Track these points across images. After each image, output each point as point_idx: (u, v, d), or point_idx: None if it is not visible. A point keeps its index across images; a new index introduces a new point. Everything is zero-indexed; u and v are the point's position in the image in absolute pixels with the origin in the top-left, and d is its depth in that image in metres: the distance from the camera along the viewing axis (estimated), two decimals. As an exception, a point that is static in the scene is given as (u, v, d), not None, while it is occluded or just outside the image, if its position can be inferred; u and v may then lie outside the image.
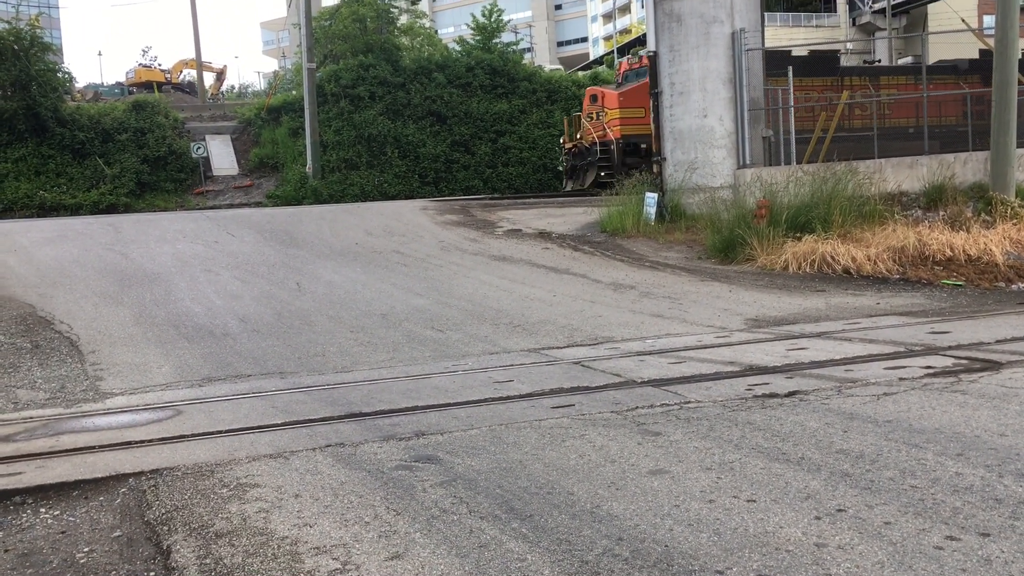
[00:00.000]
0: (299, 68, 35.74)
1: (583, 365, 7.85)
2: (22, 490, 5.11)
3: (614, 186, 26.84)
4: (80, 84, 48.82)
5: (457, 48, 39.90)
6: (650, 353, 8.29)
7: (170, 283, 13.19)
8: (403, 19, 41.54)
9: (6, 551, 4.38)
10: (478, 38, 38.79)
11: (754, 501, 4.34)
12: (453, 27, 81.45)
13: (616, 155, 27.03)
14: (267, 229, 19.27)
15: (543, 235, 17.66)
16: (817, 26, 56.71)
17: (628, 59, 30.82)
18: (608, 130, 27.19)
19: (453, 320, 10.45)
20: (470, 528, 4.13)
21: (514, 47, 40.62)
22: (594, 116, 28.13)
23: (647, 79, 27.39)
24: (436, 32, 50.55)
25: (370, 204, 24.83)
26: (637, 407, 6.25)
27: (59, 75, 33.22)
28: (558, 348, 8.79)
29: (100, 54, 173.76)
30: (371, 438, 5.74)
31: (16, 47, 30.56)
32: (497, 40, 38.95)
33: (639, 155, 27.30)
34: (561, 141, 30.27)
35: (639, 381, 7.09)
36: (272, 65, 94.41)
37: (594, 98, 28.94)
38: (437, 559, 3.81)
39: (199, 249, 16.47)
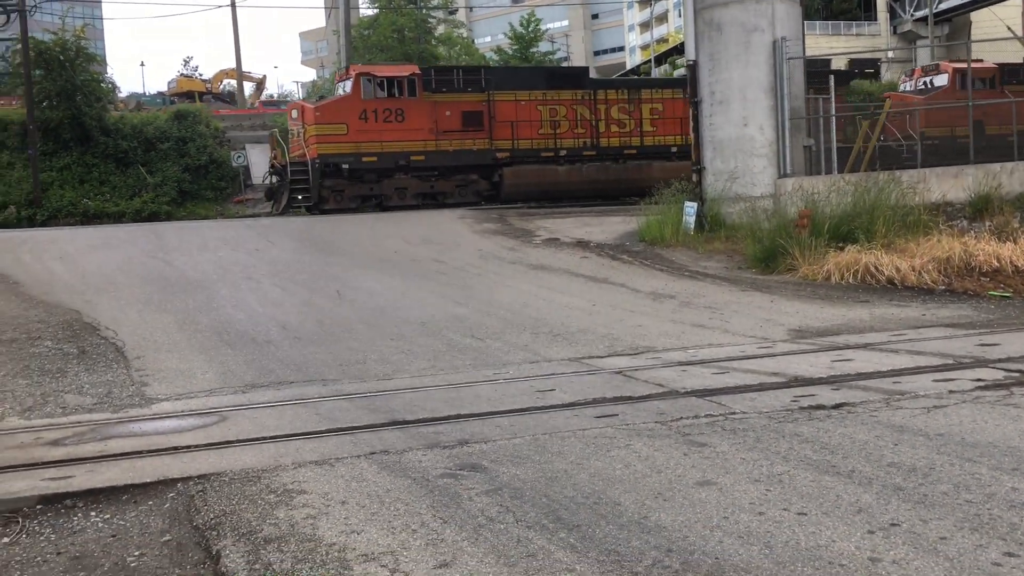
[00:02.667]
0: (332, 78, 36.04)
1: (625, 375, 7.81)
2: (73, 493, 5.18)
3: (316, 210, 25.56)
4: (123, 94, 49.63)
5: (494, 57, 40.07)
6: (692, 363, 8.23)
7: (212, 290, 13.33)
8: (440, 29, 41.85)
9: (59, 554, 4.44)
10: (515, 47, 38.98)
11: (805, 514, 4.28)
12: (490, 37, 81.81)
13: (312, 176, 25.02)
14: (306, 237, 19.44)
15: (581, 244, 17.63)
16: (857, 34, 56.19)
17: (337, 71, 29.26)
18: (307, 148, 25.44)
19: (493, 329, 10.46)
20: (517, 537, 4.12)
21: (551, 56, 40.72)
22: (295, 133, 26.61)
23: (350, 93, 25.88)
24: (473, 42, 50.81)
25: (408, 213, 24.96)
26: (681, 417, 6.20)
27: (103, 85, 33.78)
28: (599, 357, 8.75)
29: (143, 64, 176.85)
30: (415, 446, 5.75)
31: (62, 58, 31.15)
32: (534, 49, 39.10)
33: (340, 176, 25.54)
34: (273, 157, 27.80)
35: (682, 391, 7.04)
36: (311, 75, 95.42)
37: (296, 113, 27.37)
38: (485, 568, 3.80)
39: (240, 257, 16.64)
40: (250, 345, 9.89)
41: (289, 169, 25.46)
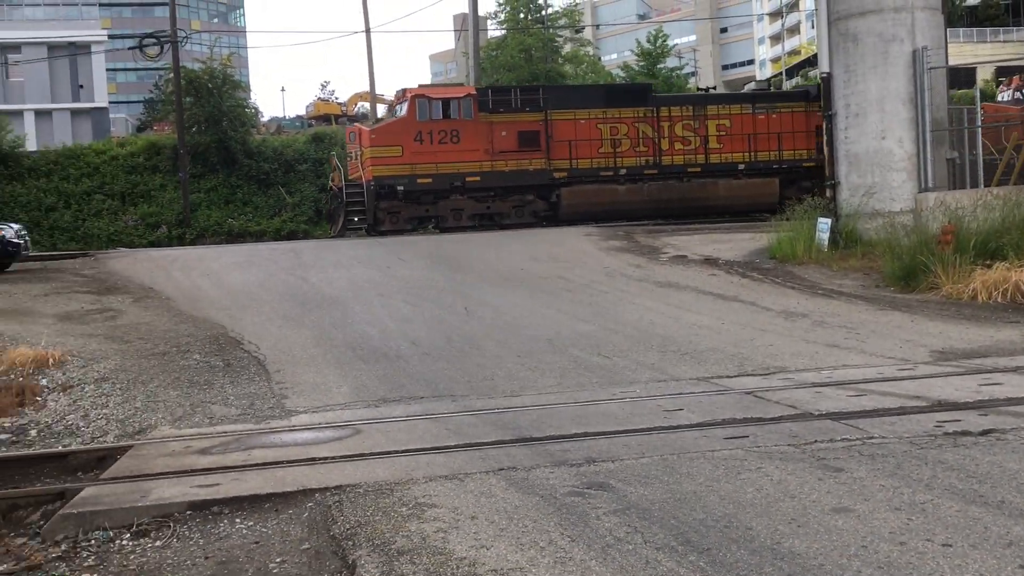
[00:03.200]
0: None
1: (755, 395, 7.65)
2: (220, 501, 5.46)
3: (372, 231, 25.53)
4: (265, 118, 51.99)
5: (621, 74, 40.02)
6: (827, 385, 7.98)
7: (347, 307, 13.78)
8: (567, 48, 42.09)
9: (207, 558, 4.68)
10: (642, 64, 38.81)
11: (950, 546, 4.10)
12: (616, 54, 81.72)
13: (368, 198, 25.27)
14: (435, 255, 19.85)
15: (709, 261, 17.36)
16: (1005, 41, 53.39)
17: (396, 93, 28.58)
18: (363, 170, 25.47)
19: (619, 347, 10.41)
20: (646, 559, 4.09)
21: (678, 71, 40.35)
22: (352, 156, 26.62)
23: (405, 115, 25.85)
24: (599, 59, 50.88)
25: (534, 231, 25.14)
26: (816, 441, 6.02)
27: (247, 110, 35.53)
28: (728, 377, 8.60)
29: (283, 90, 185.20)
30: (542, 463, 5.79)
31: (210, 85, 32.94)
32: (661, 65, 38.82)
33: (395, 198, 25.55)
34: (331, 180, 28.14)
35: (816, 414, 6.84)
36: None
37: (352, 136, 27.40)
38: (614, 588, 3.80)
39: (372, 274, 17.14)
40: (382, 360, 10.17)
41: (345, 191, 25.87)
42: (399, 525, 4.74)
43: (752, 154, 27.51)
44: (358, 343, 11.17)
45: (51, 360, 10.01)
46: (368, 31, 41.71)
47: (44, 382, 9.42)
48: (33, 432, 8.21)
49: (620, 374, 9.00)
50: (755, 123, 27.56)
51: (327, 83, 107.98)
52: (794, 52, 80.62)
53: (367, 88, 49.90)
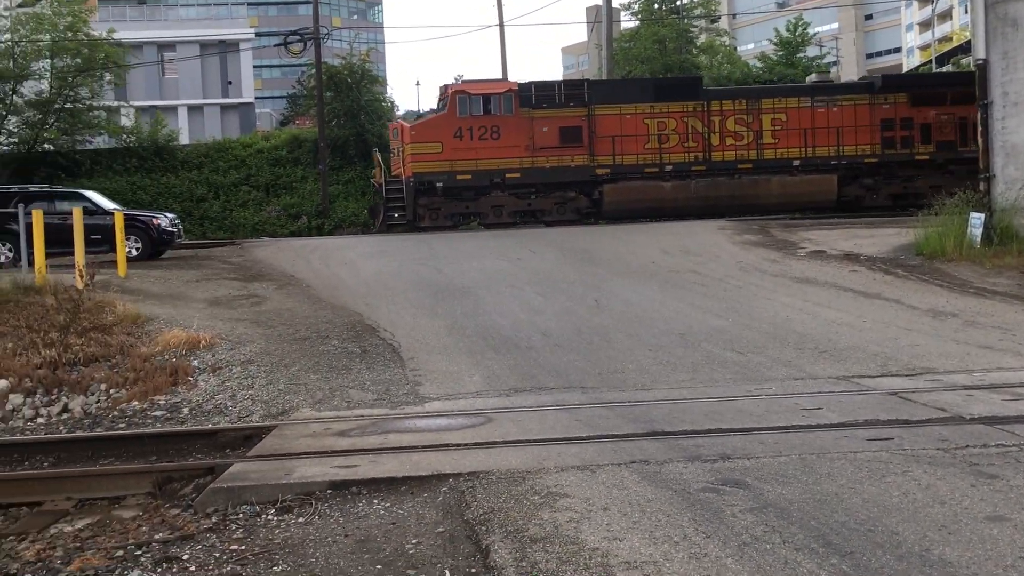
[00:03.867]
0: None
1: (900, 396, 7.32)
2: (358, 481, 5.63)
3: (412, 227, 25.07)
4: (400, 111, 53.24)
5: (758, 64, 38.97)
6: (979, 388, 7.56)
7: (478, 297, 13.96)
8: (702, 38, 41.29)
9: (346, 536, 4.83)
10: (780, 53, 37.67)
11: (1120, 563, 3.82)
12: (754, 43, 79.66)
13: (407, 194, 24.92)
14: (565, 247, 19.85)
15: (849, 257, 16.72)
16: None
17: (440, 89, 27.74)
18: (404, 166, 24.96)
19: (754, 343, 10.16)
20: (785, 559, 3.98)
21: (819, 61, 38.99)
22: (395, 152, 26.02)
23: (445, 112, 25.22)
24: (735, 49, 49.74)
25: (666, 224, 24.80)
26: (968, 446, 5.71)
27: (384, 104, 36.40)
28: (870, 377, 8.26)
29: (418, 84, 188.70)
30: (675, 458, 5.71)
31: (349, 80, 33.92)
32: (801, 54, 37.58)
33: (435, 194, 25.13)
34: (373, 176, 27.99)
35: (968, 417, 6.49)
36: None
37: (395, 132, 26.81)
38: (751, 587, 3.71)
39: (503, 265, 17.30)
40: (513, 350, 10.25)
41: (385, 188, 25.98)
42: (531, 513, 4.76)
43: (810, 149, 26.25)
44: (489, 333, 11.29)
45: (202, 342, 10.54)
46: (502, 24, 42.02)
47: (195, 363, 9.93)
48: (185, 410, 8.68)
49: (755, 371, 8.79)
50: (814, 117, 26.30)
51: (460, 76, 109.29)
52: (945, 39, 76.68)
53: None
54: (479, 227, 25.67)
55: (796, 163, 26.23)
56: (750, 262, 16.86)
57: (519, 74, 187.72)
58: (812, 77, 29.89)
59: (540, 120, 25.31)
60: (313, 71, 33.83)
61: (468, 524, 4.78)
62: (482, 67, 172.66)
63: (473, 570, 4.24)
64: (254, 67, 58.07)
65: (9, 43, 32.25)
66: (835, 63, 62.09)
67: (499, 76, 35.24)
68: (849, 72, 70.67)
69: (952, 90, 26.40)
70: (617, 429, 6.60)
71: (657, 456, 5.76)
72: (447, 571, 4.25)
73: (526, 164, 25.08)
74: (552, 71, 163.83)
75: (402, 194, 25.63)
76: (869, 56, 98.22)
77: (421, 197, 25.41)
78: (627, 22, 44.63)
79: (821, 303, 12.59)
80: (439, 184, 25.12)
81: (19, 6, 34.31)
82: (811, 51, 40.80)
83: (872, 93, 26.66)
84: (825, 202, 25.94)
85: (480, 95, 25.38)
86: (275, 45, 39.50)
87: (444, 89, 26.54)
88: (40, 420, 8.97)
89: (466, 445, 6.35)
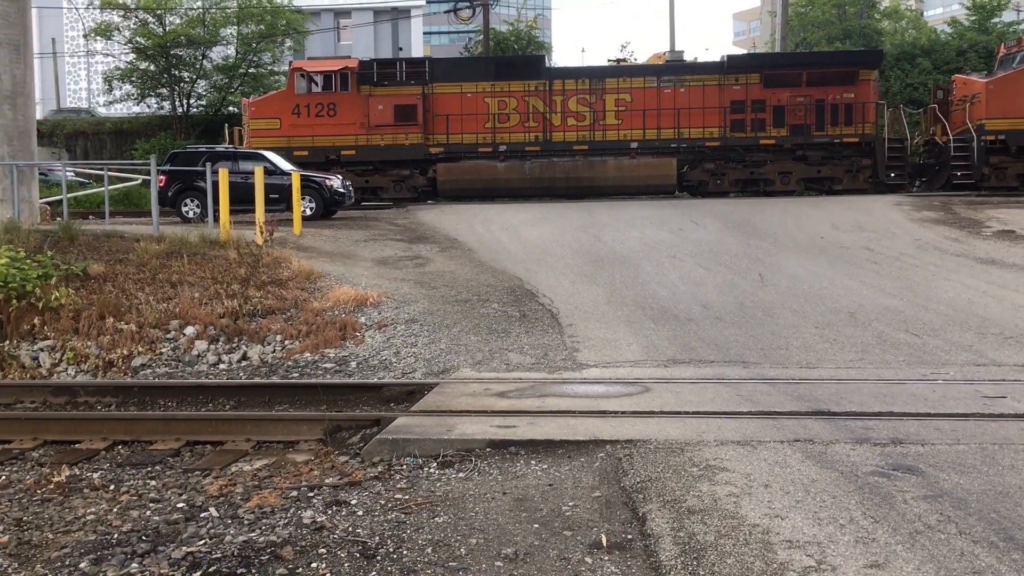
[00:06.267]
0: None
1: (1096, 390, 6.77)
2: (516, 442, 5.73)
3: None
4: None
5: (947, 30, 36.51)
6: None
7: (638, 266, 13.84)
8: (886, 2, 39.06)
9: (504, 494, 4.93)
10: (973, 18, 35.12)
11: None
12: (942, 8, 74.67)
13: (976, 154, 22.94)
14: (729, 219, 19.36)
15: (1042, 238, 15.53)
16: None
17: (1005, 43, 25.63)
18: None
19: (930, 324, 9.63)
20: (960, 551, 3.78)
21: (1016, 26, 36.15)
22: (245, 127, 24.47)
23: (284, 89, 23.77)
24: (922, 14, 46.79)
25: (836, 197, 23.77)
26: None
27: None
28: (1062, 367, 7.68)
29: (583, 51, 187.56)
30: (842, 438, 5.51)
31: (516, 46, 34.12)
32: (996, 19, 34.92)
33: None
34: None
35: None
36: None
37: (244, 108, 25.40)
38: (922, 577, 3.55)
39: (664, 235, 17.06)
40: (672, 322, 10.13)
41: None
42: (690, 485, 4.71)
43: (652, 131, 24.95)
44: (648, 303, 11.19)
45: (369, 300, 10.96)
46: (671, -10, 41.09)
47: (363, 319, 10.34)
48: (353, 364, 9.06)
49: (931, 354, 8.34)
50: (660, 98, 24.99)
51: (627, 44, 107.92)
52: None
53: (667, 48, 49.40)
54: None
55: (634, 145, 25.08)
56: (929, 240, 15.95)
57: (687, 41, 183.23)
58: (666, 55, 28.03)
59: (377, 98, 25.13)
60: (481, 37, 34.22)
61: (625, 491, 4.78)
62: (649, 33, 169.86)
63: (629, 536, 4.24)
64: (424, 33, 59.31)
65: (200, 11, 34.23)
66: (1034, 28, 57.37)
67: (667, 42, 34.50)
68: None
69: (808, 71, 24.88)
70: (780, 406, 6.42)
71: (822, 436, 5.57)
72: (603, 535, 4.27)
73: (361, 142, 24.91)
74: (722, 38, 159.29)
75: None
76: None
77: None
78: (804, -15, 42.70)
79: (1008, 286, 11.78)
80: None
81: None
82: (1007, 16, 37.86)
83: (722, 73, 25.09)
84: (665, 186, 25.10)
85: (318, 72, 25.48)
86: (445, 12, 40.22)
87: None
88: (222, 366, 9.59)
89: (623, 413, 6.34)
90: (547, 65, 26.40)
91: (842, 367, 7.92)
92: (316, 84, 25.22)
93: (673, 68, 26.00)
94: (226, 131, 26.98)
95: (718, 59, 26.30)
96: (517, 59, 29.76)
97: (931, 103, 25.43)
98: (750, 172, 25.09)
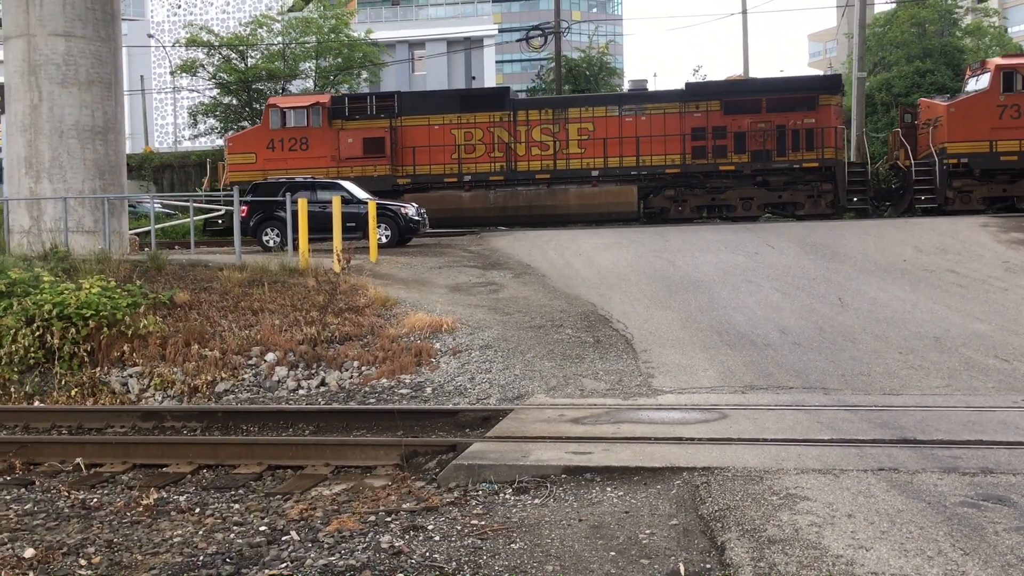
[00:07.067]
0: (847, 78, 34.71)
1: None
2: (591, 468, 5.71)
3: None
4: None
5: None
6: None
7: (713, 291, 13.69)
8: (968, 19, 38.14)
9: (580, 520, 4.92)
10: (1060, 33, 33.98)
11: None
12: (1027, 23, 72.45)
13: (939, 178, 22.83)
14: (807, 242, 19.03)
15: None
16: None
17: (970, 66, 25.21)
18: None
19: (1021, 350, 9.30)
20: (1057, 587, 3.63)
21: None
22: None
23: (260, 125, 23.82)
24: (1006, 31, 45.52)
25: (920, 219, 23.18)
26: None
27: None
28: None
29: (655, 75, 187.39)
30: (928, 468, 5.35)
31: (587, 73, 34.31)
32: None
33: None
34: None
35: None
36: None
37: (227, 144, 25.65)
38: (1016, 613, 3.42)
39: (740, 259, 16.85)
40: (749, 347, 9.98)
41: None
42: (770, 514, 4.63)
43: (613, 159, 24.86)
44: (724, 328, 11.06)
45: (444, 326, 11.06)
46: (745, 12, 40.83)
47: (437, 345, 10.44)
48: (428, 389, 9.16)
49: (1021, 380, 8.05)
50: (621, 126, 24.92)
51: (699, 67, 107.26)
52: None
53: (740, 71, 48.99)
54: None
55: (595, 173, 24.94)
56: (1018, 262, 15.42)
57: (761, 64, 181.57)
58: (627, 85, 27.68)
59: (347, 131, 25.75)
60: (552, 65, 34.46)
61: (703, 519, 4.72)
62: (723, 56, 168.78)
63: (708, 566, 4.18)
64: (496, 62, 60.03)
65: (281, 45, 35.25)
66: None
67: (741, 65, 34.18)
68: None
69: (767, 97, 24.53)
70: (862, 434, 6.27)
71: (908, 465, 5.42)
72: (681, 564, 4.23)
73: (332, 174, 25.06)
74: (797, 60, 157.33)
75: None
76: None
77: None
78: (881, 5, 41.99)
79: (1104, 310, 11.32)
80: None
81: (289, 10, 37.40)
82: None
83: (682, 101, 24.86)
84: (627, 213, 24.95)
85: (290, 108, 26.23)
86: (517, 40, 40.64)
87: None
88: (301, 391, 9.78)
89: (700, 439, 6.27)
90: (511, 97, 27.10)
91: (928, 394, 7.70)
92: (289, 119, 26.24)
93: (634, 97, 26.31)
94: (208, 166, 28.17)
95: (680, 87, 26.51)
96: (483, 91, 30.93)
97: (897, 127, 25.23)
98: (712, 198, 25.16)
